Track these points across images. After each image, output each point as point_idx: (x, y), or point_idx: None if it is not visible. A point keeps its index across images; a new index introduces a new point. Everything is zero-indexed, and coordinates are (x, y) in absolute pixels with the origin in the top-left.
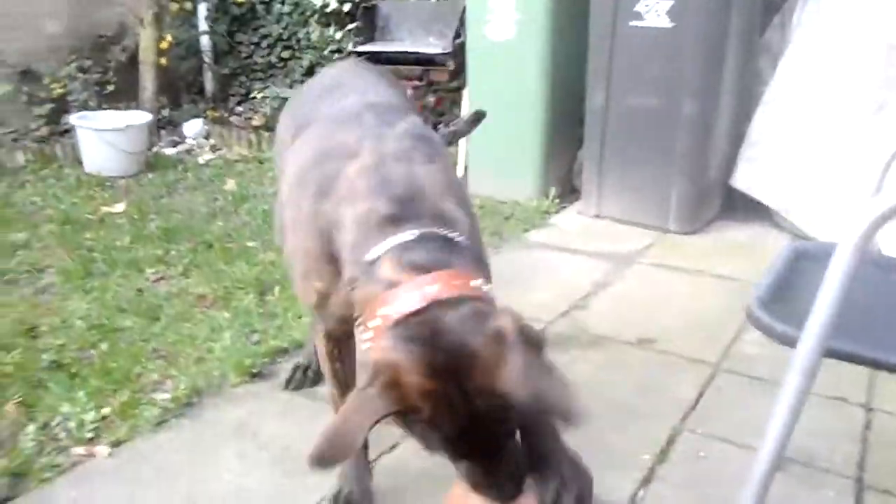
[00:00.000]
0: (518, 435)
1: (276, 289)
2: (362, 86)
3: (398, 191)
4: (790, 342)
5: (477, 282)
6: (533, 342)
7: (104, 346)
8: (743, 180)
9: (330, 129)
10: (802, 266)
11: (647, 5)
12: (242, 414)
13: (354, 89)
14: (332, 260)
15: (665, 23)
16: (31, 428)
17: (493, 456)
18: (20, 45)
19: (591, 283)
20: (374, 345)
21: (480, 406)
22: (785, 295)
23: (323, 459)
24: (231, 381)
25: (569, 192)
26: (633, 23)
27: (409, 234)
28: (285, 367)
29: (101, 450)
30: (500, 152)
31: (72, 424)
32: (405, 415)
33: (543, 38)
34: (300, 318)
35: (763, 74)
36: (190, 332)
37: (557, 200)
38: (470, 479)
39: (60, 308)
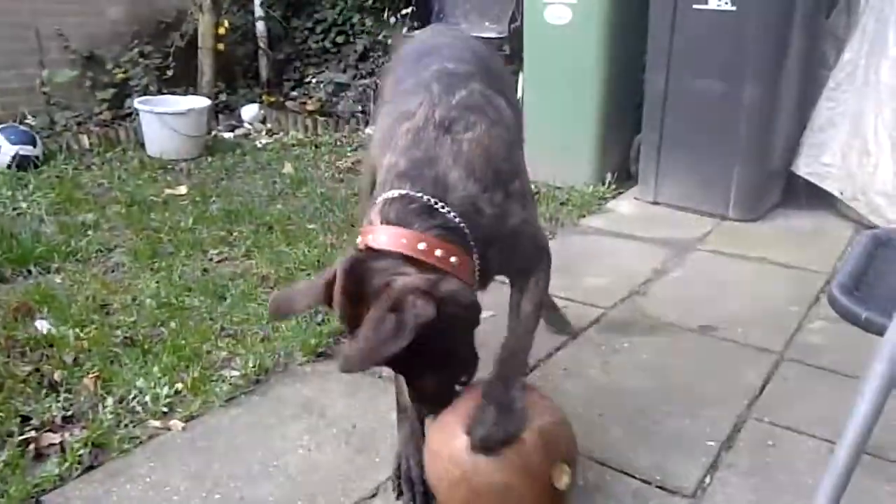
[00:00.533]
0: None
1: None
2: (446, 53)
3: (418, 154)
4: (876, 329)
5: (423, 244)
6: (400, 307)
7: (173, 324)
8: (806, 167)
9: (406, 94)
10: (883, 253)
11: None
12: (310, 392)
13: (439, 57)
14: None
15: (728, 6)
16: (109, 401)
17: (410, 370)
18: (84, 30)
19: (651, 270)
20: (340, 259)
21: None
22: (866, 282)
23: (276, 310)
24: (297, 359)
25: (625, 177)
26: (696, 6)
27: (399, 192)
28: None
29: (176, 423)
30: (557, 137)
31: (147, 399)
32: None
33: (601, 22)
34: None
35: (827, 58)
36: (255, 311)
37: (614, 186)
38: (412, 392)
39: (130, 286)
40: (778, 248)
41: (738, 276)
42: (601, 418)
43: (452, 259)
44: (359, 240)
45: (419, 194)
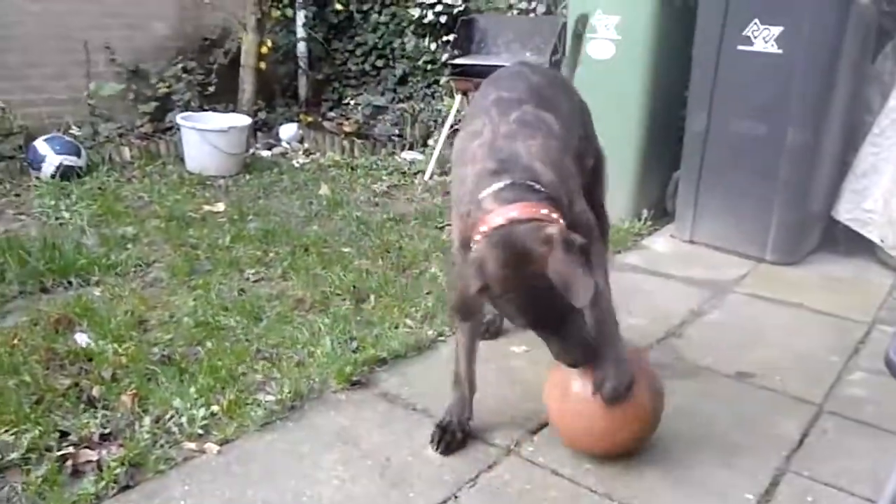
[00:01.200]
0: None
1: (372, 297)
2: (504, 84)
3: (502, 155)
4: None
5: (544, 210)
6: (571, 245)
7: (210, 344)
8: (847, 213)
9: (473, 119)
10: None
11: (756, 31)
12: (344, 421)
13: (497, 87)
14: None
15: (774, 49)
16: (146, 420)
17: (559, 327)
18: (131, 44)
19: (687, 311)
20: (475, 249)
21: (537, 286)
22: None
23: (461, 310)
24: (332, 387)
25: (661, 214)
26: (741, 47)
27: (504, 182)
28: (384, 378)
29: (211, 447)
30: None
31: (183, 420)
32: (489, 291)
33: (644, 58)
34: (396, 327)
35: (871, 104)
36: (291, 334)
37: (650, 222)
38: (549, 346)
39: (168, 303)
40: (816, 295)
41: (776, 322)
42: (635, 464)
43: (562, 221)
44: (482, 228)
45: (519, 181)
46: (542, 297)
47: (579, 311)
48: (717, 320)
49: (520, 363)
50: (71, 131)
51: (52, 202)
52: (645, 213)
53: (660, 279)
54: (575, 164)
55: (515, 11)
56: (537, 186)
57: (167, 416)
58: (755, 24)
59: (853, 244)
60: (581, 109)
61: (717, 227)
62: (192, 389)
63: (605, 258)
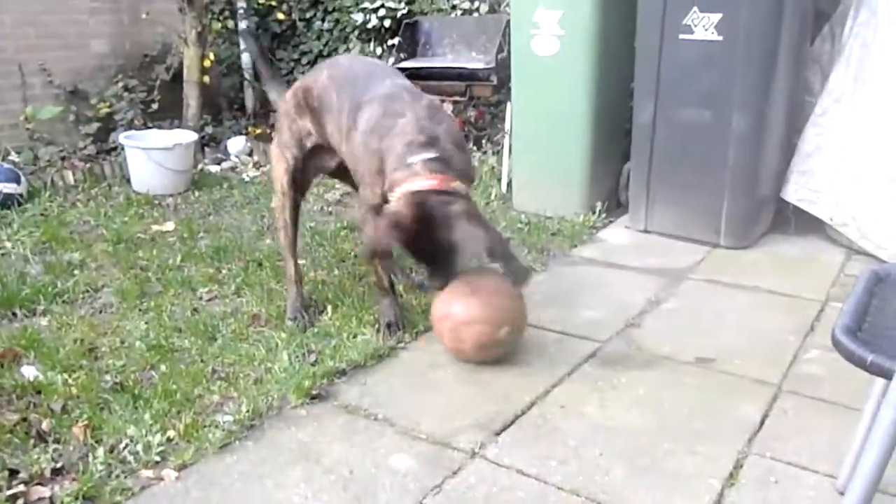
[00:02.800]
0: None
1: (329, 308)
2: (390, 73)
3: (428, 132)
4: (883, 373)
5: (456, 183)
6: (472, 216)
7: (164, 367)
8: (795, 193)
9: (386, 102)
10: (886, 290)
11: (695, 19)
12: (304, 437)
13: (386, 76)
14: (380, 172)
15: (714, 35)
16: (99, 451)
17: (443, 264)
18: (69, 65)
19: (644, 301)
20: (395, 203)
21: (435, 240)
22: (870, 321)
23: (374, 254)
24: (291, 402)
25: (615, 206)
26: (683, 36)
27: (431, 154)
28: (343, 389)
29: (169, 473)
30: (545, 167)
31: (139, 447)
32: (398, 238)
33: (588, 53)
34: (355, 337)
35: (812, 85)
36: (247, 352)
37: (604, 215)
38: (428, 275)
39: (119, 328)
40: (771, 276)
41: (732, 306)
42: (601, 458)
43: (467, 192)
44: (404, 187)
45: (439, 155)
46: (438, 247)
47: (457, 253)
48: (675, 308)
49: (477, 364)
50: (10, 157)
51: None
52: (599, 206)
53: (616, 270)
54: None
55: (459, 12)
56: (451, 161)
57: (122, 446)
58: (694, 12)
59: (803, 224)
60: None
61: (671, 215)
62: (147, 415)
63: None
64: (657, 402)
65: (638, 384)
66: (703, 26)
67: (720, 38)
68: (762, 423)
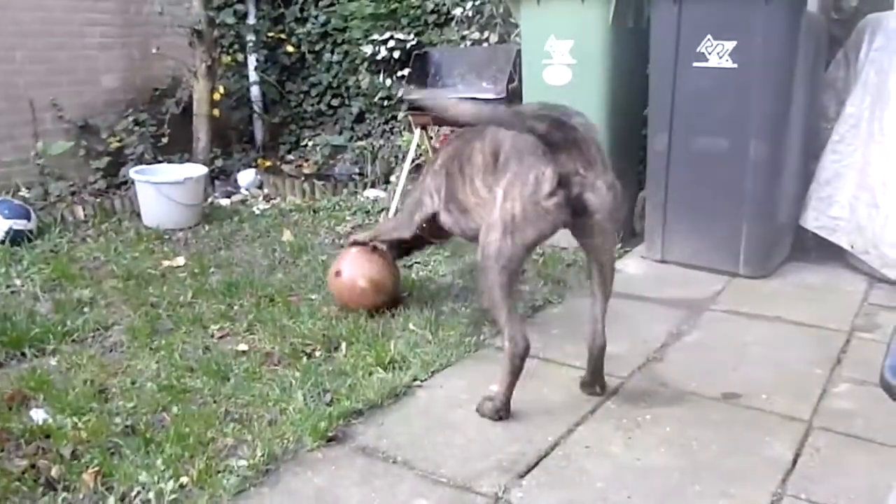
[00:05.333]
0: None
1: (343, 345)
2: None
3: None
4: None
5: None
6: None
7: (176, 409)
8: (814, 221)
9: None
10: None
11: (709, 47)
12: (322, 482)
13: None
14: None
15: (729, 63)
16: (110, 499)
17: None
18: (79, 100)
19: (666, 333)
20: None
21: None
22: None
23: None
24: (307, 445)
25: (630, 235)
26: (697, 64)
27: None
28: (360, 430)
29: None
30: None
31: (151, 495)
32: None
33: (600, 82)
34: (370, 375)
35: (827, 111)
36: (260, 392)
37: (619, 245)
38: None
39: (129, 368)
40: (793, 306)
41: (756, 338)
42: (630, 501)
43: None
44: None
45: None
46: None
47: None
48: (697, 341)
49: None
50: (20, 193)
51: (2, 269)
52: None
53: (634, 302)
54: None
55: (468, 43)
56: None
57: (133, 493)
58: (708, 39)
59: (823, 251)
60: None
61: (688, 244)
62: (159, 461)
63: None
64: (685, 441)
65: (664, 421)
66: (718, 54)
67: (735, 65)
68: (795, 461)
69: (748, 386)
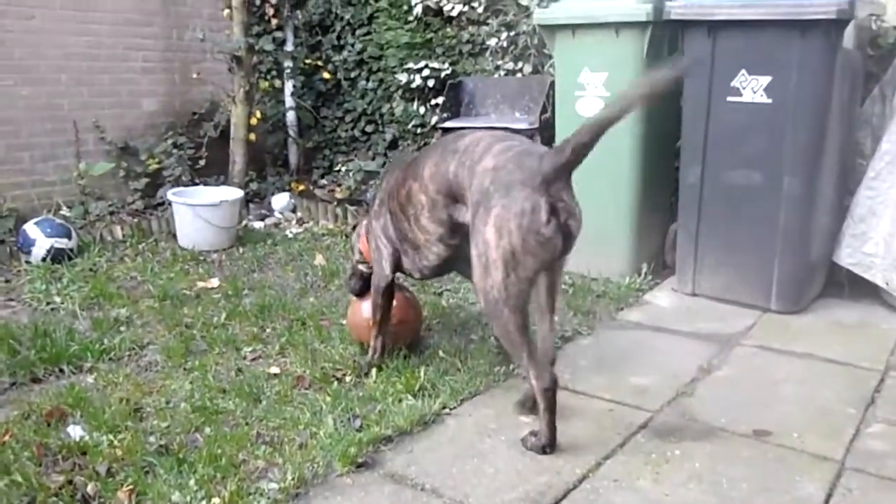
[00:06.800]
0: None
1: (374, 370)
2: None
3: None
4: None
5: None
6: None
7: (209, 430)
8: (848, 257)
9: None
10: None
11: (744, 82)
12: None
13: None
14: None
15: (763, 98)
16: None
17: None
18: (121, 122)
19: (696, 368)
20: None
21: None
22: None
23: None
24: (337, 470)
25: (661, 268)
26: (731, 98)
27: None
28: (389, 457)
29: None
30: (590, 228)
31: None
32: None
33: (633, 114)
34: (400, 401)
35: (863, 147)
36: (291, 415)
37: (650, 277)
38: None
39: (163, 388)
40: (825, 343)
41: (787, 374)
42: None
43: None
44: None
45: None
46: None
47: None
48: (728, 376)
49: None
50: (62, 212)
51: (43, 287)
52: (644, 267)
53: (665, 335)
54: None
55: (502, 73)
56: None
57: None
58: (743, 74)
59: (857, 288)
60: None
61: (719, 278)
62: (192, 481)
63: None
64: (715, 478)
65: (693, 457)
66: (752, 89)
67: (769, 100)
68: (826, 503)
69: (779, 423)
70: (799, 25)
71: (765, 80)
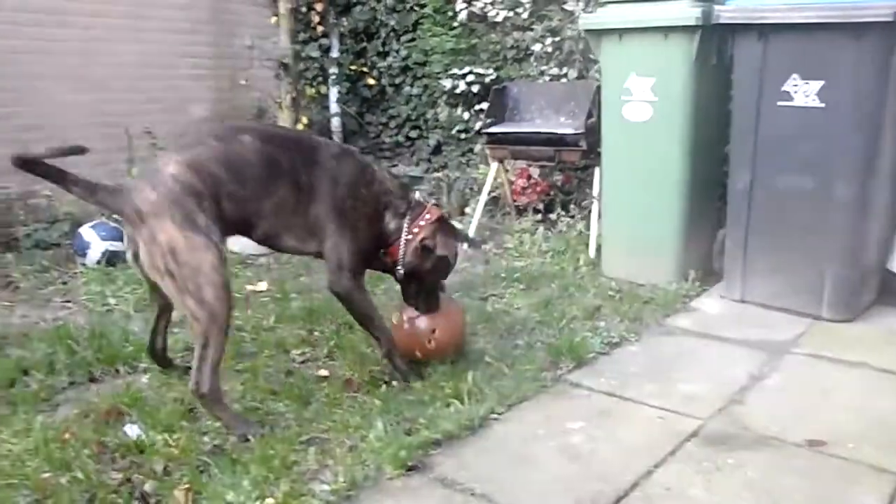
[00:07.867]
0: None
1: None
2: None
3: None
4: None
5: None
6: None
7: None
8: None
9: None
10: None
11: (795, 86)
12: None
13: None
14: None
15: (816, 103)
16: None
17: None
18: (170, 128)
19: (746, 375)
20: (423, 231)
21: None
22: None
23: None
24: (387, 473)
25: (709, 274)
26: (781, 103)
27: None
28: (439, 461)
29: None
30: (637, 234)
31: None
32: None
33: (681, 120)
34: (448, 406)
35: None
36: (341, 418)
37: (697, 283)
38: (416, 298)
39: None
40: (879, 352)
41: (840, 384)
42: None
43: None
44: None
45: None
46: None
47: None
48: (779, 384)
49: (578, 439)
50: (115, 216)
51: (99, 289)
52: (692, 273)
53: (713, 342)
54: None
55: (547, 78)
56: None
57: None
58: (794, 78)
59: None
60: None
61: (769, 284)
62: (246, 481)
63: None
64: (768, 488)
65: (746, 466)
66: (804, 93)
67: (822, 105)
68: None
69: (833, 433)
70: (853, 28)
71: (817, 84)
